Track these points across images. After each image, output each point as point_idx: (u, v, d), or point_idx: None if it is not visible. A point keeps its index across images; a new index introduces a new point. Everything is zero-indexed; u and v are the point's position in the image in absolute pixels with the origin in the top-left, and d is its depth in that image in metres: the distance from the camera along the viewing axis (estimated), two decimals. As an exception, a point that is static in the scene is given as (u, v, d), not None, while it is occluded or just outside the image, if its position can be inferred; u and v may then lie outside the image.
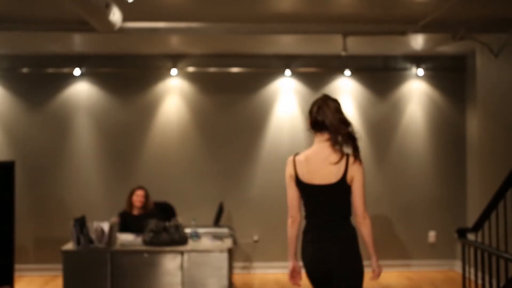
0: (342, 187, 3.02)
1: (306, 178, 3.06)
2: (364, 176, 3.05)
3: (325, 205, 3.05)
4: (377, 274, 3.14)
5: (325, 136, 3.07)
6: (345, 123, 3.06)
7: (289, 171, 3.12)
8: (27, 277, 6.91)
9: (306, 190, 3.08)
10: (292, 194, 3.13)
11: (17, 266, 6.62)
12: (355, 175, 3.02)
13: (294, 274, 3.22)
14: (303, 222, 3.17)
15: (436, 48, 6.82)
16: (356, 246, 3.05)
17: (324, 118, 3.06)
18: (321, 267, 3.03)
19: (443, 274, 7.07)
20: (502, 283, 4.75)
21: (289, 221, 3.15)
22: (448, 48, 6.83)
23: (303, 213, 3.16)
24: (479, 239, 4.88)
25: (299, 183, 3.09)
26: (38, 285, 6.56)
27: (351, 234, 3.05)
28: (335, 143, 3.04)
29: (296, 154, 3.13)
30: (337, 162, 3.02)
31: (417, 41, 6.44)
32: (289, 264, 3.22)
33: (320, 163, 3.04)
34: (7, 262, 6.29)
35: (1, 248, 6.29)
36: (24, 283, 6.62)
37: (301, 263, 3.20)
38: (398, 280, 6.69)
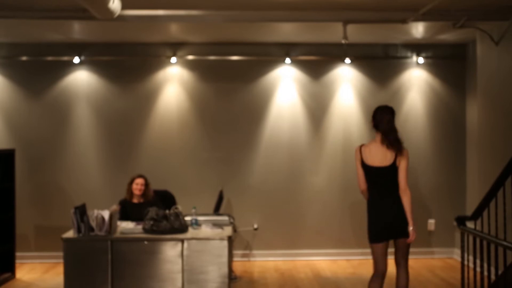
0: (393, 169, 4.23)
1: (369, 161, 4.29)
2: (408, 161, 4.26)
3: (381, 181, 4.28)
4: (411, 239, 4.24)
5: (380, 135, 4.31)
6: (394, 130, 4.27)
7: (357, 156, 4.38)
8: (28, 264, 6.94)
9: (368, 170, 4.31)
10: (360, 172, 4.37)
11: (18, 254, 6.65)
12: (402, 160, 4.24)
13: None
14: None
15: (437, 36, 6.79)
16: (403, 209, 4.23)
17: (379, 124, 4.33)
18: (383, 221, 4.26)
19: (442, 261, 7.11)
20: (500, 271, 4.77)
21: (362, 192, 4.43)
22: (448, 36, 6.80)
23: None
24: (478, 227, 4.89)
25: (363, 165, 4.32)
26: (39, 272, 6.59)
27: (399, 200, 4.24)
28: (385, 144, 4.26)
29: (362, 144, 4.39)
30: (390, 152, 4.22)
31: (418, 29, 6.42)
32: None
33: (379, 151, 4.27)
34: (8, 249, 6.34)
35: (2, 235, 6.32)
36: (25, 271, 6.66)
37: None
38: (397, 268, 6.71)
